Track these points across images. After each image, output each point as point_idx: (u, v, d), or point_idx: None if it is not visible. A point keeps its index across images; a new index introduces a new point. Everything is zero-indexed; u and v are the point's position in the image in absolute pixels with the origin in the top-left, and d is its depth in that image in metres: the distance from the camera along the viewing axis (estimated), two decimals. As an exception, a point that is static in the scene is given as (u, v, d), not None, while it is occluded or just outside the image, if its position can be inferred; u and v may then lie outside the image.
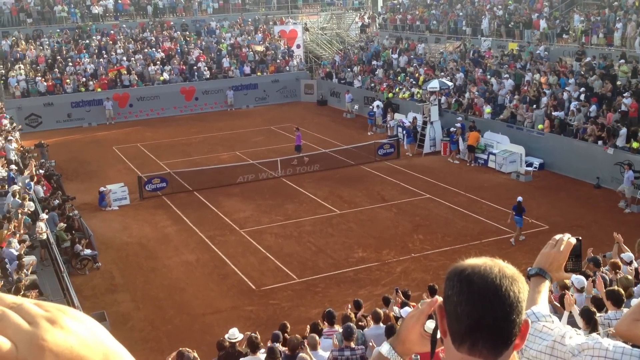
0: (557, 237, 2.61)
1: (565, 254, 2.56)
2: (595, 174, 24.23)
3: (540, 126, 26.93)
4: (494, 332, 1.79)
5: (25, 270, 15.16)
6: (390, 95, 35.81)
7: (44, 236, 17.94)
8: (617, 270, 11.29)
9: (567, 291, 9.03)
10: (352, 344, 9.81)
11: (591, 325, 8.68)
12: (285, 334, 11.45)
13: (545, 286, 2.53)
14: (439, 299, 1.96)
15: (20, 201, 19.45)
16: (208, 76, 41.93)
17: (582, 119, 25.33)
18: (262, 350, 10.45)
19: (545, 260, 2.58)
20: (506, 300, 1.78)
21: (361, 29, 50.93)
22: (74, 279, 17.81)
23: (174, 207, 24.02)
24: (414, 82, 35.41)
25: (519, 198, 20.24)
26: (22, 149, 28.43)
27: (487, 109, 29.64)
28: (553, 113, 26.73)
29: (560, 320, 2.43)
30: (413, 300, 13.25)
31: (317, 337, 10.16)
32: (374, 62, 40.99)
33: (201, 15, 49.00)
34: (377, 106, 34.85)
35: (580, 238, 2.62)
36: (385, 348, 2.09)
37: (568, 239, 2.59)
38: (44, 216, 18.40)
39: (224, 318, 15.79)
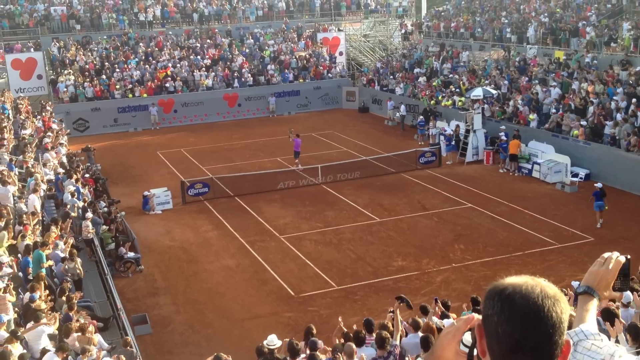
0: (606, 255, 2.54)
1: (614, 272, 2.49)
2: (643, 186, 23.62)
3: (575, 132, 26.52)
4: (535, 354, 1.76)
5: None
6: (432, 102, 35.61)
7: (91, 235, 18.39)
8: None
9: (616, 318, 8.79)
10: (385, 353, 9.78)
11: (639, 341, 8.45)
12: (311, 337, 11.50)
13: (594, 304, 2.47)
14: (476, 316, 1.94)
15: (77, 201, 20.05)
16: (251, 83, 42.35)
17: (628, 129, 24.70)
18: (302, 356, 10.48)
19: (593, 278, 2.51)
20: (549, 321, 1.76)
21: (404, 36, 50.76)
22: (117, 281, 18.11)
23: (215, 212, 24.28)
24: (456, 90, 35.10)
25: (599, 184, 21.45)
26: (69, 152, 29.11)
27: (532, 116, 29.21)
28: (582, 121, 26.33)
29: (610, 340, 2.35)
30: (453, 310, 13.11)
31: (353, 346, 10.13)
32: (417, 70, 40.79)
33: (246, 22, 49.54)
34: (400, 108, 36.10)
35: (629, 257, 2.56)
36: None
37: (617, 257, 2.52)
38: (90, 215, 18.82)
39: (263, 324, 15.86)
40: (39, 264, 15.13)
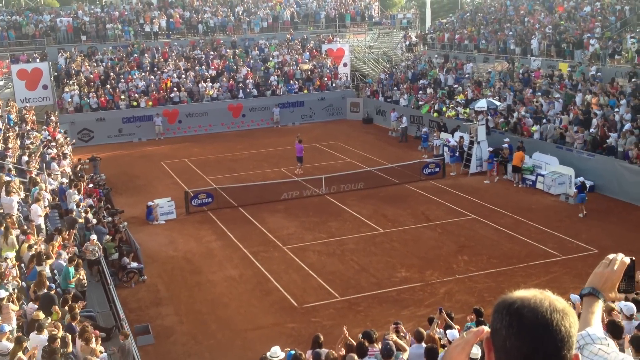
0: (611, 256, 2.53)
1: (619, 273, 2.48)
2: (647, 198, 23.56)
3: (533, 129, 28.72)
4: None
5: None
6: (435, 114, 35.67)
7: (93, 256, 18.04)
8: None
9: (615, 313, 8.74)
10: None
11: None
12: (319, 347, 11.50)
13: (599, 306, 2.45)
14: (486, 328, 1.93)
15: (81, 211, 20.10)
16: (256, 94, 42.46)
17: (633, 141, 24.64)
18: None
19: (598, 279, 2.49)
20: (557, 335, 1.74)
21: (408, 47, 50.90)
22: (120, 291, 18.10)
23: (219, 223, 24.27)
24: (460, 102, 35.15)
25: (581, 178, 23.77)
26: (77, 161, 29.18)
27: (534, 127, 29.22)
28: (589, 131, 26.44)
29: None
30: (456, 322, 13.04)
31: (355, 357, 10.11)
32: (421, 81, 40.86)
33: (250, 33, 49.73)
34: (402, 120, 36.75)
35: (634, 258, 2.54)
36: None
37: (622, 259, 2.50)
38: (93, 237, 18.36)
39: (266, 334, 15.82)
40: (66, 280, 15.33)
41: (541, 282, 17.96)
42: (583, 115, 27.84)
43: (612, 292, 2.49)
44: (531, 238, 21.50)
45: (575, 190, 24.03)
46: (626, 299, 10.59)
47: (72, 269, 15.57)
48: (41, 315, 12.69)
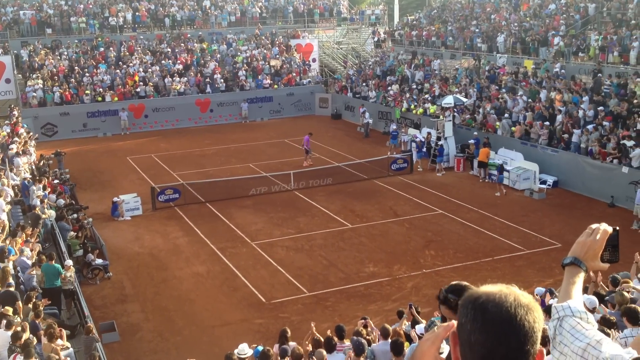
0: (594, 226, 2.50)
1: (602, 242, 2.45)
2: (609, 193, 24.01)
3: (497, 125, 29.56)
4: None
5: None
6: (404, 109, 35.83)
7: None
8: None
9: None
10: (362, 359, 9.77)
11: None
12: (286, 341, 11.54)
13: (581, 277, 2.42)
14: (455, 323, 1.93)
15: (44, 207, 19.75)
16: (224, 88, 42.16)
17: (597, 137, 25.10)
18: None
19: (580, 248, 2.45)
20: (521, 330, 1.75)
21: (376, 44, 51.04)
22: (85, 288, 17.84)
23: (186, 218, 24.06)
24: (428, 98, 35.37)
25: (500, 160, 26.79)
26: (40, 156, 28.64)
27: (498, 123, 29.61)
28: (546, 123, 27.29)
29: None
30: (423, 316, 13.14)
31: (324, 352, 10.12)
32: (389, 78, 41.01)
33: (218, 28, 49.32)
34: (365, 115, 37.10)
35: (617, 228, 2.50)
36: None
37: (604, 228, 2.47)
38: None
39: (233, 330, 15.75)
40: (56, 276, 15.20)
41: (506, 275, 18.21)
42: (547, 112, 28.28)
43: (594, 261, 2.45)
44: (496, 232, 21.78)
45: (496, 172, 26.75)
46: (622, 286, 10.78)
47: (59, 265, 15.39)
48: (10, 310, 12.44)
